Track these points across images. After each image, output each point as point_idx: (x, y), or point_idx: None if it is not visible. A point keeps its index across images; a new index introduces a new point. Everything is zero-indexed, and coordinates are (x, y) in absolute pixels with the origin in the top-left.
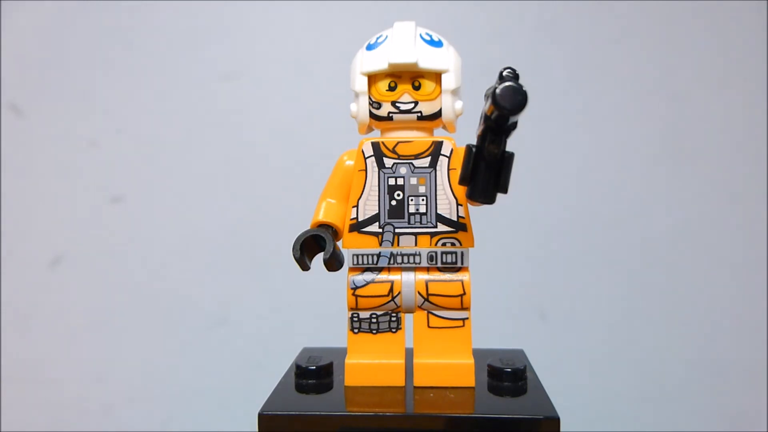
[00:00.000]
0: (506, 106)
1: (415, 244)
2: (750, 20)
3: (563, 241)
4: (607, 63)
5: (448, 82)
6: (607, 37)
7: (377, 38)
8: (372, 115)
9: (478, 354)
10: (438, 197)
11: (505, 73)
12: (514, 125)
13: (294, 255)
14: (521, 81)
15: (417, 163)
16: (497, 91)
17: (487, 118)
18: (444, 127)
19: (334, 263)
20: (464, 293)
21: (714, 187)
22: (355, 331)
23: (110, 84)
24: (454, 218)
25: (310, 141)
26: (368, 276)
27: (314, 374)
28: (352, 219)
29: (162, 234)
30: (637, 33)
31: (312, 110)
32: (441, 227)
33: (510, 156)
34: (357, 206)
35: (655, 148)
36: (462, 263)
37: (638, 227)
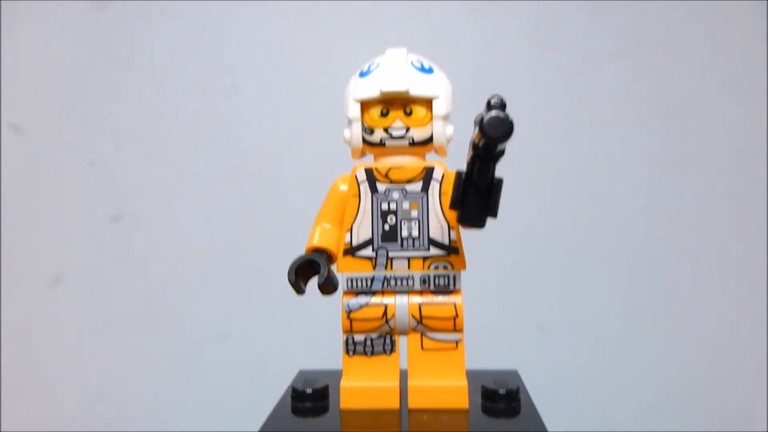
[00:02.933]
0: (492, 134)
1: (408, 268)
2: (748, 26)
3: (557, 256)
4: (603, 72)
5: (439, 107)
6: (602, 48)
7: (369, 65)
8: (365, 141)
9: (471, 375)
10: (430, 221)
11: (492, 102)
12: (502, 152)
13: (289, 280)
14: (509, 109)
15: (409, 187)
16: (484, 120)
17: (475, 146)
18: (436, 152)
19: (328, 287)
20: (457, 315)
21: (711, 195)
22: (350, 353)
23: (110, 103)
24: (446, 242)
25: (308, 159)
26: (362, 299)
27: (310, 397)
28: (346, 243)
29: (161, 253)
30: (633, 44)
31: (311, 127)
32: (433, 251)
33: (499, 182)
34: (351, 231)
35: (650, 161)
36: (454, 286)
37: (634, 241)
